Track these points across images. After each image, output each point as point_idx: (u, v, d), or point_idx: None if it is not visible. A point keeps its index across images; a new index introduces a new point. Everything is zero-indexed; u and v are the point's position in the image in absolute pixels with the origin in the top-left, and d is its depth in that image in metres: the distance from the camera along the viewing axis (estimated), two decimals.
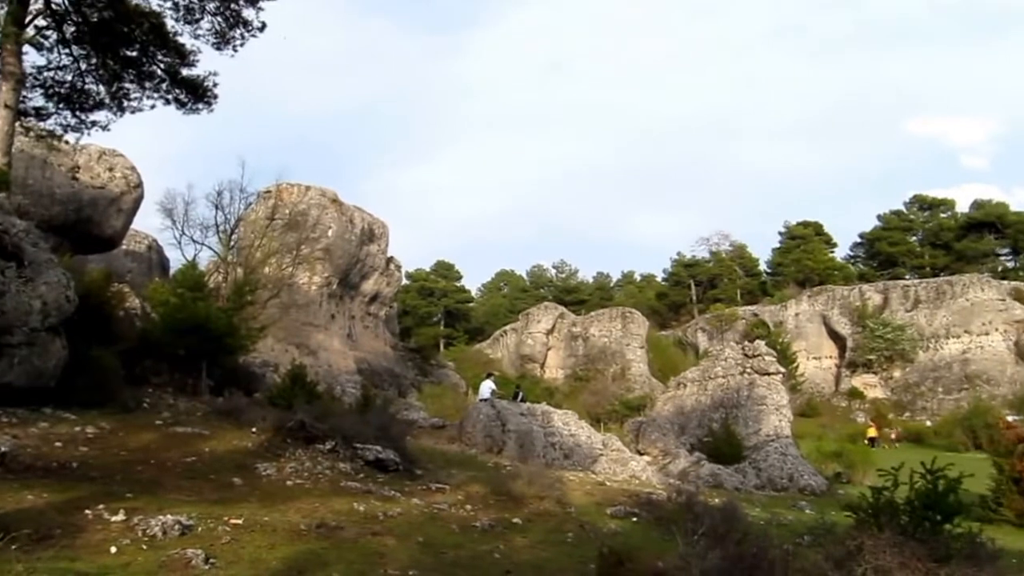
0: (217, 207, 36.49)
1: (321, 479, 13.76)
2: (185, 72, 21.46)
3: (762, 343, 37.76)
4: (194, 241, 36.10)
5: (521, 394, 32.94)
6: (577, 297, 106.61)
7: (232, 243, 37.83)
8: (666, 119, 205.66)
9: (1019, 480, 21.74)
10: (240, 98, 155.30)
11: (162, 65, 21.09)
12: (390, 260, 62.34)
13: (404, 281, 76.99)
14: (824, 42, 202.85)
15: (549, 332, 79.97)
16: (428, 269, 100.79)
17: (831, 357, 78.12)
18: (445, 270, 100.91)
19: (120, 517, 9.55)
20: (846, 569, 7.70)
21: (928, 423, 61.59)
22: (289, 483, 13.17)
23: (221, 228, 36.60)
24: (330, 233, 52.70)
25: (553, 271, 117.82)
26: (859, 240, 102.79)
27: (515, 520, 12.92)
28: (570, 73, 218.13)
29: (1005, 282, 76.64)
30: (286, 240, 44.78)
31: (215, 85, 21.89)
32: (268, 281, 38.05)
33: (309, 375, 23.24)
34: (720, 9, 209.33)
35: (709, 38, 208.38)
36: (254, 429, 16.11)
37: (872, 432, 53.48)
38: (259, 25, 21.42)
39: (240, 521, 10.20)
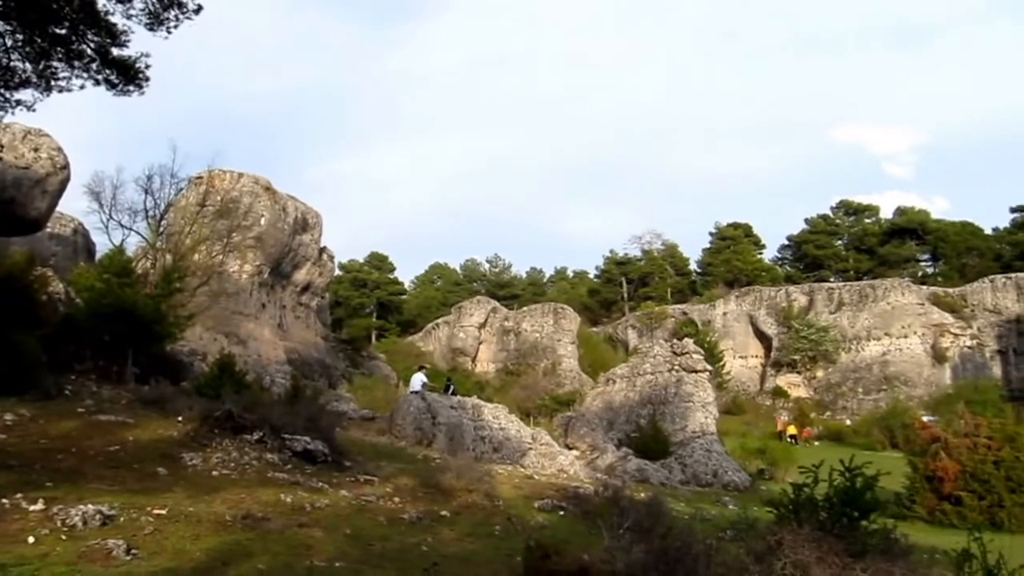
0: (147, 192, 35.71)
1: (248, 470, 13.61)
2: (116, 52, 20.87)
3: (690, 341, 38.33)
4: (122, 226, 35.26)
5: (452, 387, 32.98)
6: (510, 292, 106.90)
7: (161, 229, 37.07)
8: (603, 118, 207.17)
9: (932, 479, 22.47)
10: (173, 82, 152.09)
11: (92, 44, 20.50)
12: (323, 250, 61.66)
13: (337, 272, 76.21)
14: (758, 49, 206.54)
15: (481, 326, 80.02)
16: (361, 260, 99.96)
17: (757, 356, 79.68)
18: (379, 262, 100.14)
19: (39, 506, 9.36)
20: (766, 563, 7.89)
21: (848, 422, 63.29)
22: (215, 473, 13.01)
23: (150, 213, 35.83)
24: (263, 221, 51.90)
25: (487, 265, 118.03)
26: (787, 243, 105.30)
27: (443, 513, 12.96)
28: (510, 68, 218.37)
29: (924, 287, 79.22)
30: (217, 227, 43.97)
31: (147, 67, 21.33)
32: (198, 268, 37.34)
33: (238, 365, 23.00)
34: (659, 12, 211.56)
35: (647, 40, 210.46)
36: (180, 418, 15.86)
37: (792, 430, 54.79)
38: (194, 7, 20.93)
39: (164, 511, 10.06)
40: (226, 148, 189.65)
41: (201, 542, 9.19)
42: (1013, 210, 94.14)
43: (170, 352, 26.18)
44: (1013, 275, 75.52)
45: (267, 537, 9.87)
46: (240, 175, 51.91)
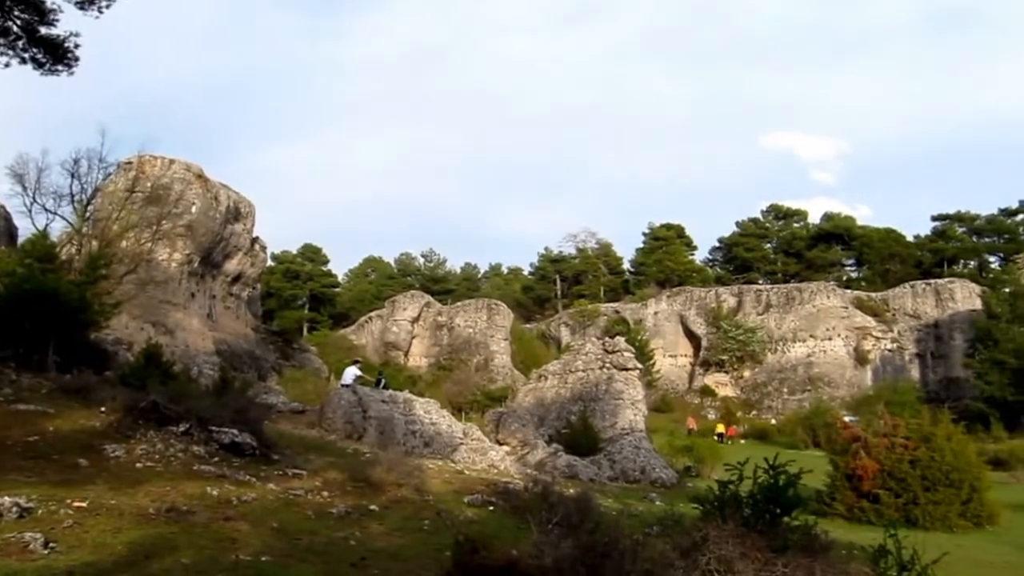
0: (73, 176, 34.90)
1: (173, 462, 13.38)
2: (44, 31, 20.31)
3: (622, 339, 38.74)
4: (46, 210, 34.43)
5: (384, 381, 32.80)
6: (444, 287, 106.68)
7: (88, 214, 36.20)
8: (540, 116, 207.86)
9: (852, 477, 23.05)
10: (104, 63, 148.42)
11: (19, 21, 19.90)
12: (255, 240, 60.75)
13: (269, 263, 75.12)
14: (693, 53, 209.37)
15: (415, 320, 79.74)
16: (295, 251, 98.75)
17: (686, 355, 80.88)
18: (312, 253, 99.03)
19: None
20: (691, 559, 8.01)
21: (773, 421, 64.71)
22: (139, 465, 12.76)
23: (76, 198, 35.01)
24: (193, 209, 50.91)
25: (421, 260, 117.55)
26: (718, 244, 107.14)
27: (372, 507, 12.90)
28: (447, 63, 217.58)
29: (848, 291, 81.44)
30: (146, 214, 43.05)
31: (76, 47, 20.81)
32: (125, 256, 36.53)
33: (165, 355, 22.58)
34: (596, 13, 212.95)
35: (586, 40, 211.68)
36: (103, 409, 15.51)
37: (720, 428, 55.88)
38: None
39: (84, 504, 9.84)
40: (158, 134, 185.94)
41: (123, 535, 9.01)
42: (934, 218, 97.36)
43: (94, 341, 25.54)
44: (932, 281, 78.13)
45: (192, 530, 9.72)
46: (171, 161, 50.86)
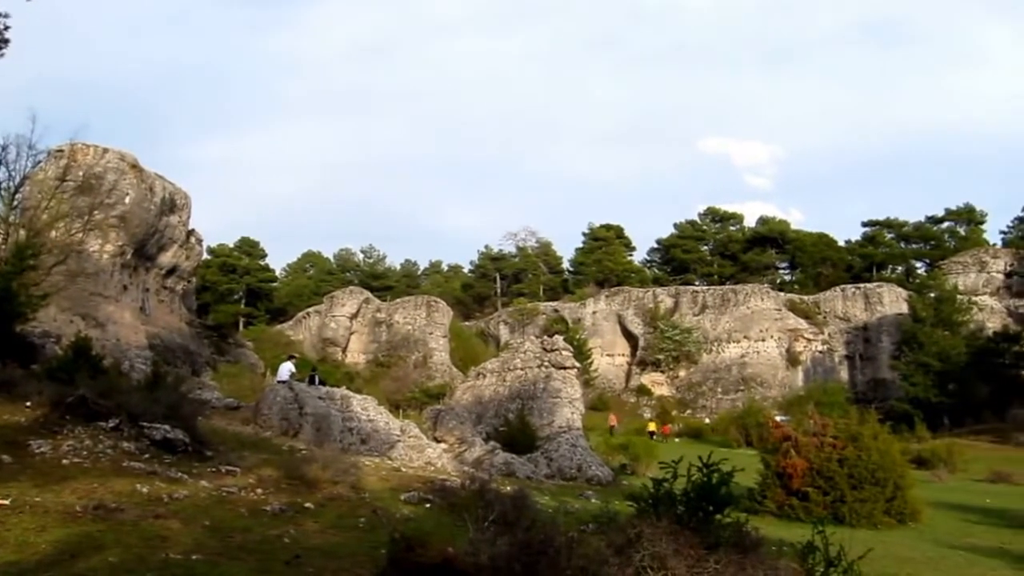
0: (0, 162, 33.83)
1: (102, 458, 13.10)
2: None
3: (560, 338, 38.92)
4: None
5: (318, 377, 32.42)
6: (384, 283, 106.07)
7: (15, 203, 35.18)
8: (482, 114, 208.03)
9: (782, 475, 23.46)
10: (36, 47, 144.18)
11: None
12: (191, 233, 59.67)
13: (205, 256, 73.89)
14: (634, 57, 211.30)
15: (353, 316, 79.19)
16: (231, 245, 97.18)
17: (623, 355, 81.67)
18: (249, 247, 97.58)
19: None
20: (625, 555, 8.09)
21: (707, 420, 65.73)
22: (65, 462, 12.47)
23: (3, 185, 33.98)
24: (127, 200, 49.79)
25: (361, 256, 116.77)
26: (656, 246, 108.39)
27: (307, 504, 12.78)
28: (390, 60, 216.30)
29: (782, 294, 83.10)
30: (77, 204, 41.97)
31: (6, 28, 20.21)
32: (54, 246, 35.52)
33: (95, 348, 22.08)
34: (539, 14, 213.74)
35: (529, 41, 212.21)
36: (29, 403, 15.14)
37: (651, 426, 56.57)
38: None
39: (7, 502, 9.61)
40: (92, 121, 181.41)
41: (47, 534, 8.81)
42: (864, 224, 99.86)
43: (20, 333, 24.86)
44: (862, 285, 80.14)
45: (120, 529, 9.54)
46: (105, 150, 49.67)
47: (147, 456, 13.95)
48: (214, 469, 14.41)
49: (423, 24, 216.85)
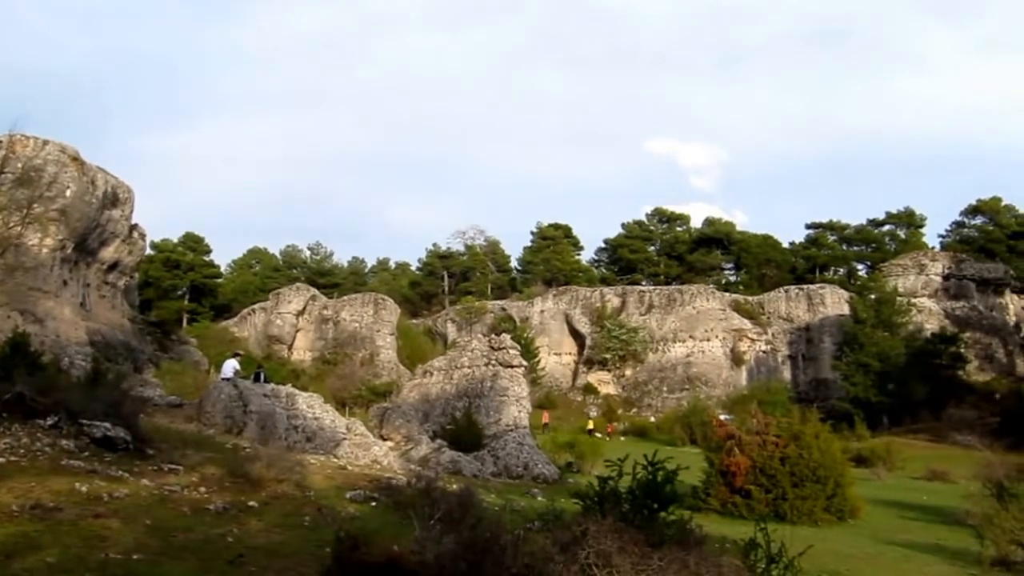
0: None
1: (40, 457, 12.84)
2: None
3: (508, 337, 39.01)
4: None
5: (263, 375, 32.06)
6: (331, 280, 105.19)
7: None
8: (434, 112, 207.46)
9: (725, 473, 23.81)
10: None
11: None
12: (134, 227, 58.52)
13: (148, 251, 72.47)
14: (584, 57, 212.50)
15: (299, 313, 78.48)
16: (175, 240, 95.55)
17: (571, 354, 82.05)
18: (194, 242, 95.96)
19: None
20: (571, 553, 8.13)
21: (652, 419, 66.33)
22: (2, 460, 12.21)
23: None
24: (68, 193, 48.67)
25: (308, 252, 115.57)
26: (603, 245, 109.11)
27: (251, 503, 12.66)
28: (341, 56, 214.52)
29: (727, 294, 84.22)
30: (16, 196, 40.85)
31: None
32: None
33: (33, 345, 21.55)
34: (491, 13, 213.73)
35: (481, 39, 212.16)
36: None
37: (590, 424, 56.93)
38: None
39: None
40: (31, 112, 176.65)
41: None
42: (807, 227, 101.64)
43: None
44: (805, 286, 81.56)
45: (58, 528, 9.36)
46: (45, 142, 48.51)
47: (87, 454, 13.69)
48: (156, 467, 14.20)
49: (373, 20, 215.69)
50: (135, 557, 8.70)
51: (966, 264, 77.79)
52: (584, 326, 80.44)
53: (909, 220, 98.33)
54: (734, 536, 12.20)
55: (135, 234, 59.01)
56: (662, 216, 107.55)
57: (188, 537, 10.05)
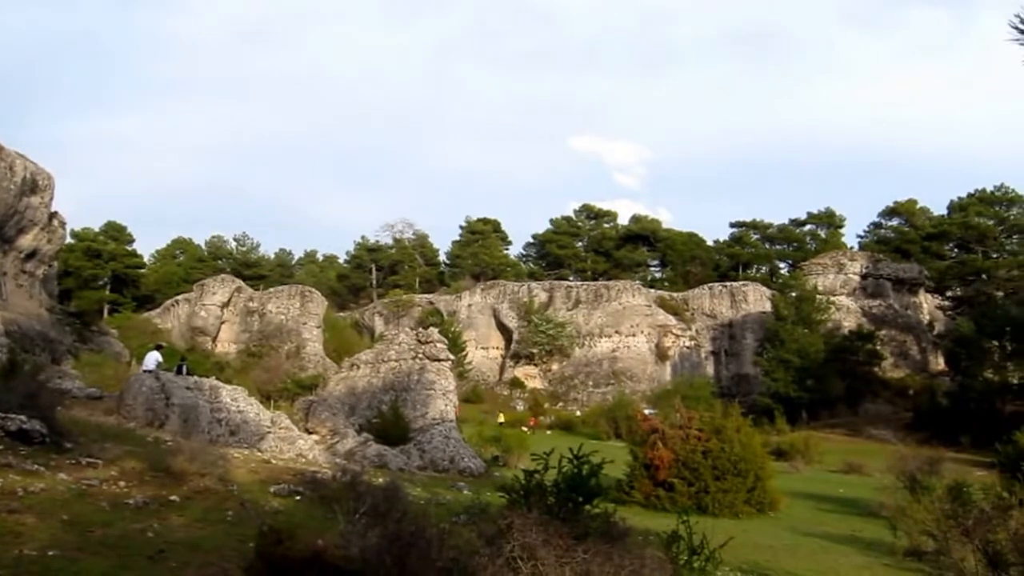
0: None
1: None
2: None
3: (435, 330, 38.94)
4: None
5: (186, 367, 31.50)
6: (257, 272, 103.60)
7: None
8: (364, 105, 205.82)
9: (649, 466, 24.20)
10: None
11: None
12: (54, 215, 56.69)
13: (68, 240, 70.33)
14: (516, 54, 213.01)
15: (224, 305, 77.09)
16: (97, 229, 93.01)
17: (498, 348, 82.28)
18: (116, 232, 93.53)
19: None
20: (496, 546, 8.21)
21: (578, 413, 66.93)
22: None
23: None
24: None
25: (233, 243, 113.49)
26: (532, 241, 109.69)
27: (173, 497, 12.45)
28: (270, 44, 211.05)
29: (652, 290, 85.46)
30: None
31: None
32: None
33: None
34: (425, 7, 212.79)
35: (411, 34, 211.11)
36: None
37: (502, 418, 57.22)
38: None
39: None
40: None
41: None
42: (732, 225, 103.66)
43: None
44: (728, 284, 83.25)
45: None
46: None
47: (1, 448, 13.31)
48: (74, 461, 13.86)
49: (306, 11, 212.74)
50: (51, 553, 8.51)
51: (883, 264, 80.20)
52: (511, 320, 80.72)
53: (829, 220, 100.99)
54: (657, 529, 12.43)
55: (55, 222, 57.20)
56: (590, 212, 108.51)
57: (107, 532, 9.86)
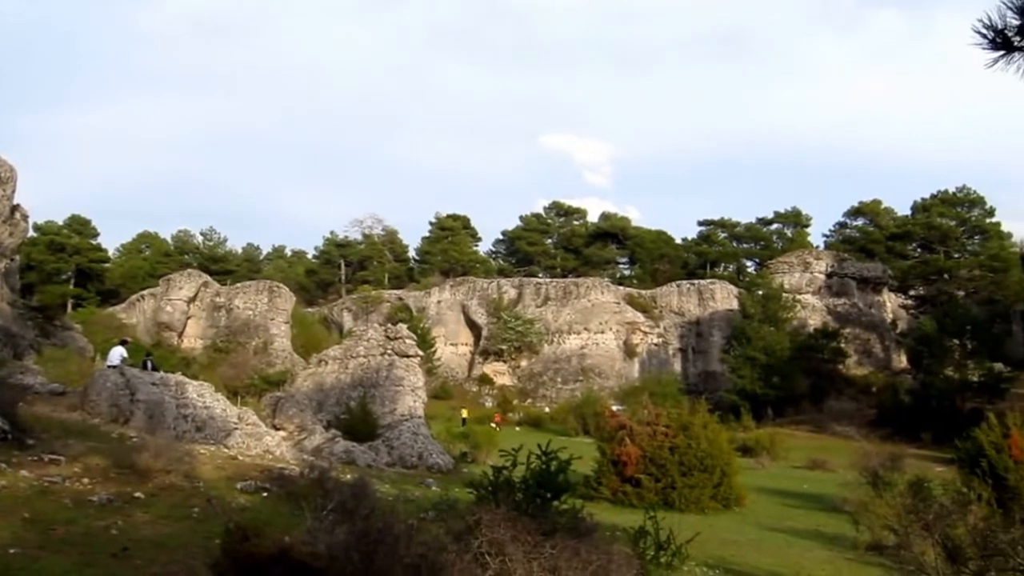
0: None
1: None
2: None
3: (404, 327, 38.84)
4: None
5: (151, 363, 31.17)
6: (224, 267, 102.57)
7: None
8: (334, 99, 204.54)
9: (617, 463, 24.37)
10: None
11: None
12: (16, 208, 55.80)
13: (31, 233, 69.23)
14: (486, 51, 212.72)
15: (191, 300, 76.39)
16: (61, 223, 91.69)
17: (467, 344, 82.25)
18: (80, 225, 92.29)
19: None
20: (464, 542, 8.24)
21: (547, 409, 67.12)
22: None
23: None
24: None
25: (200, 238, 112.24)
26: (501, 237, 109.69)
27: (137, 494, 12.36)
28: (239, 38, 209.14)
29: (621, 288, 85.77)
30: None
31: None
32: None
33: None
34: (397, 2, 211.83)
35: (383, 29, 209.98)
36: None
37: (465, 413, 57.28)
38: None
39: None
40: None
41: None
42: (700, 223, 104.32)
43: None
44: (696, 282, 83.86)
45: None
46: None
47: None
48: (36, 458, 13.70)
49: (274, 6, 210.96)
50: (12, 551, 8.42)
51: (848, 263, 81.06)
52: (481, 317, 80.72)
53: (796, 220, 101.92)
54: (625, 524, 12.55)
55: (17, 215, 56.32)
56: (559, 210, 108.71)
57: (69, 530, 9.77)
